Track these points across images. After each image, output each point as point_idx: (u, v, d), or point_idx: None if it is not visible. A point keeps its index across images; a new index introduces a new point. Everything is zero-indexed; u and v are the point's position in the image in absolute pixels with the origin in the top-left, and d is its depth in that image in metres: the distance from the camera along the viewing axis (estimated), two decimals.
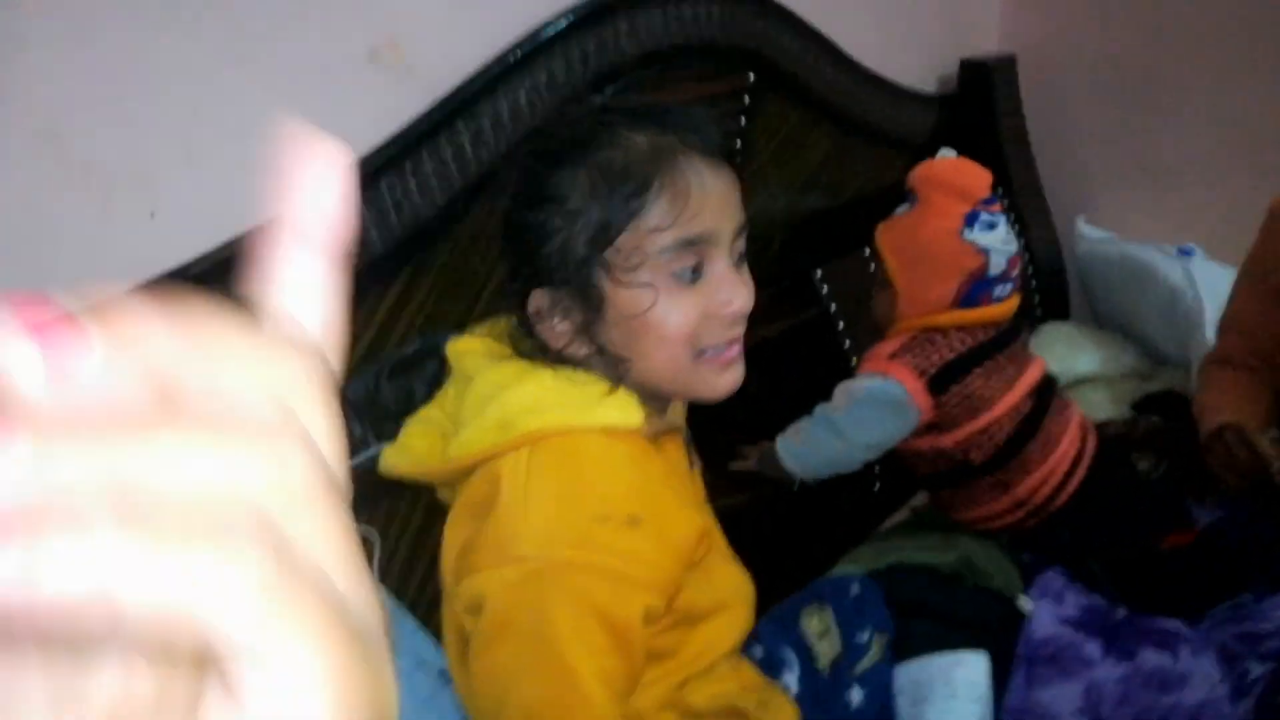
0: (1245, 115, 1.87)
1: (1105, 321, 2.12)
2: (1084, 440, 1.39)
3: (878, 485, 1.69)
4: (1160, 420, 1.66)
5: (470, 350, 0.87)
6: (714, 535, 0.92)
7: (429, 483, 0.86)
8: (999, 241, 1.30)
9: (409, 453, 0.85)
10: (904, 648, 1.17)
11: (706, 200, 0.76)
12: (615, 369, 0.80)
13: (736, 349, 0.82)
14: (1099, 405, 1.86)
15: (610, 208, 0.76)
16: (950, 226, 1.29)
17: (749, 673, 1.01)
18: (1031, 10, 2.19)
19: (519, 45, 1.20)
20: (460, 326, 1.09)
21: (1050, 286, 2.14)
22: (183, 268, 0.98)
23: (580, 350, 0.81)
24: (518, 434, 0.74)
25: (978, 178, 1.33)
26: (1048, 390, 1.39)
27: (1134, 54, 2.04)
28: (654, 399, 0.84)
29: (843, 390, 1.33)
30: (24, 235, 0.92)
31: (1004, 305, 1.33)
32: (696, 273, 0.78)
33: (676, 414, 0.91)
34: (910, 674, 1.16)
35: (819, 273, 1.71)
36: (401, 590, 1.04)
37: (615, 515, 0.73)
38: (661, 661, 0.82)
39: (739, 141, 1.56)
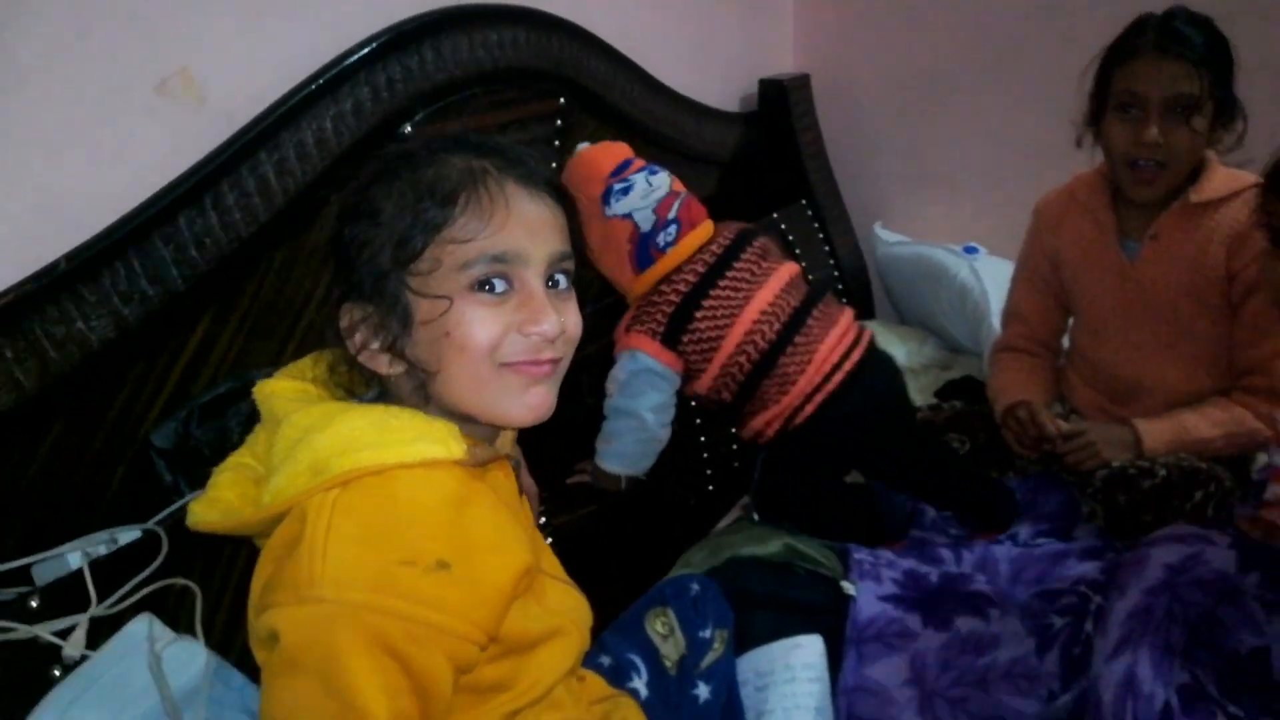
0: (1018, 126, 2.07)
1: (907, 317, 2.28)
2: (828, 394, 1.39)
3: (710, 487, 1.74)
4: (962, 404, 1.79)
5: (278, 393, 0.84)
6: (545, 561, 0.92)
7: (243, 534, 0.81)
8: (638, 200, 1.38)
9: (218, 505, 0.80)
10: (745, 639, 1.21)
11: (514, 220, 0.77)
12: (423, 386, 0.80)
13: (547, 367, 0.80)
14: None
15: (415, 220, 0.76)
16: (595, 213, 1.39)
17: (594, 685, 1.02)
18: (821, 32, 2.34)
19: (321, 73, 1.18)
20: (274, 363, 1.06)
21: (855, 287, 2.28)
22: None
23: (390, 368, 0.80)
24: (328, 477, 0.71)
25: (599, 159, 1.42)
26: (798, 324, 1.40)
27: (917, 71, 2.22)
28: (473, 425, 0.82)
29: (610, 380, 1.43)
30: None
31: (681, 245, 1.39)
32: (502, 287, 0.78)
33: (505, 442, 0.91)
34: (752, 663, 1.20)
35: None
36: (228, 644, 0.99)
37: (422, 559, 0.70)
38: (494, 694, 0.80)
39: (554, 164, 1.59)
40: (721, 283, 1.39)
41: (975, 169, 2.19)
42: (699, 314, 1.38)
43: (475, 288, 0.77)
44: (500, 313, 0.77)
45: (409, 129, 1.28)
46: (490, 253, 0.76)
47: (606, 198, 1.38)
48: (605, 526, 1.48)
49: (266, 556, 0.75)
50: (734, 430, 1.50)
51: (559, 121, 1.56)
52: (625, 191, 1.39)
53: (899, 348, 2.12)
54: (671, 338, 1.38)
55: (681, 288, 1.38)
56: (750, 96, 2.23)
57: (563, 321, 0.80)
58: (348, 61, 1.20)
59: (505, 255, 0.77)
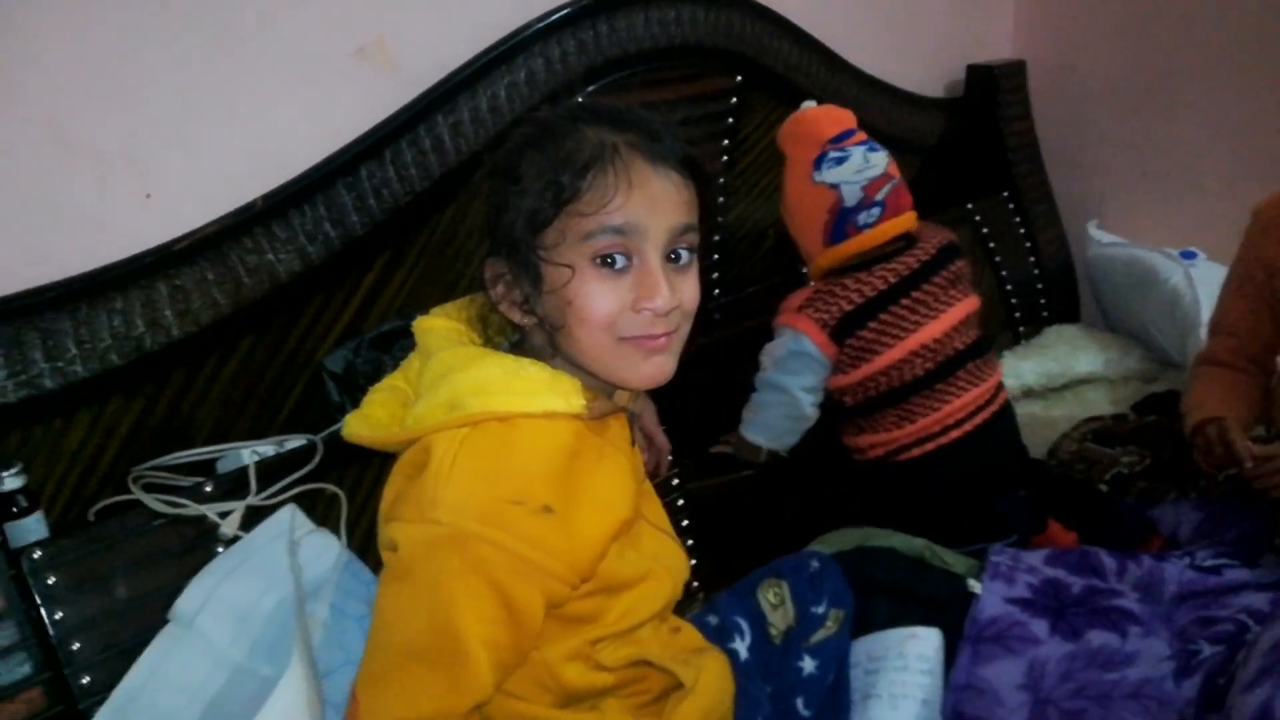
0: (1249, 123, 1.87)
1: (1114, 324, 2.12)
2: (953, 439, 1.41)
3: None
4: (1154, 418, 1.65)
5: (434, 329, 0.92)
6: (648, 509, 0.96)
7: (386, 450, 0.90)
8: (851, 173, 1.35)
9: (369, 421, 0.90)
10: (863, 624, 1.19)
11: (638, 195, 0.80)
12: (552, 341, 0.85)
13: (664, 340, 0.83)
14: (1099, 405, 1.86)
15: (546, 190, 0.80)
16: (804, 173, 1.37)
17: (689, 636, 1.05)
18: (1045, 19, 2.21)
19: (499, 44, 1.28)
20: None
21: (1058, 289, 2.14)
22: (170, 242, 1.06)
23: (526, 319, 0.86)
24: (463, 414, 0.79)
25: (821, 122, 1.39)
26: (956, 363, 1.41)
27: (1144, 63, 2.05)
28: (594, 380, 0.88)
29: (765, 353, 1.43)
30: (26, 216, 1.01)
31: (878, 229, 1.37)
32: (624, 263, 0.81)
33: (623, 396, 0.96)
34: (866, 647, 1.18)
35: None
36: (366, 546, 1.11)
37: (530, 500, 0.76)
38: (581, 625, 0.86)
39: (726, 140, 1.62)
40: (904, 300, 1.38)
41: (1203, 170, 1.99)
42: (872, 324, 1.37)
43: (596, 261, 0.80)
44: (618, 288, 0.81)
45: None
46: (610, 225, 0.79)
47: (819, 162, 1.37)
48: (739, 500, 1.50)
49: (397, 473, 0.85)
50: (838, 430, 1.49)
51: (734, 99, 1.58)
52: (839, 161, 1.36)
53: (1097, 355, 1.97)
54: (839, 334, 1.38)
55: (868, 291, 1.37)
56: (957, 83, 2.15)
57: (678, 296, 0.82)
58: (525, 34, 1.28)
59: (624, 228, 0.80)
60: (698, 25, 1.49)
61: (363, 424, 0.90)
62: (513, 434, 0.79)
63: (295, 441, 1.12)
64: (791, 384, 1.41)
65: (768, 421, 1.45)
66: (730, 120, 1.59)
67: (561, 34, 1.31)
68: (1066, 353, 1.96)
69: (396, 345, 1.21)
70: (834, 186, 1.35)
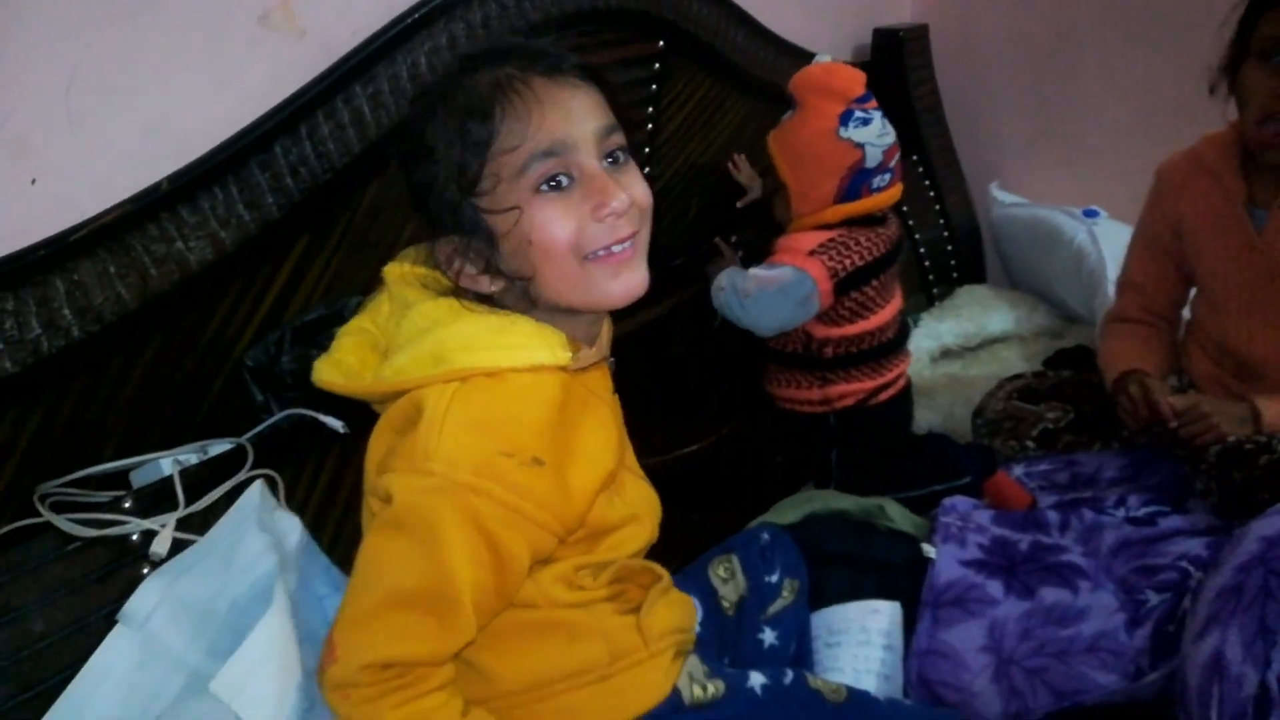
0: (1146, 83, 1.94)
1: (1019, 283, 2.18)
2: (902, 386, 1.55)
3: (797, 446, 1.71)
4: (1069, 373, 1.70)
5: (406, 277, 0.89)
6: (628, 456, 0.97)
7: (359, 399, 0.87)
8: (874, 135, 1.39)
9: (341, 367, 0.87)
10: (819, 596, 1.19)
11: (550, 112, 0.79)
12: (526, 294, 0.84)
13: (628, 250, 0.82)
14: (1012, 363, 1.91)
15: (464, 146, 0.78)
16: (828, 126, 1.38)
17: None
18: None
19: (417, 8, 1.19)
20: (366, 292, 1.08)
21: (966, 250, 2.19)
22: (65, 233, 0.95)
23: (494, 286, 0.84)
24: (449, 369, 0.78)
25: (850, 78, 1.42)
26: (905, 328, 1.54)
27: (1043, 24, 2.09)
28: (577, 324, 0.87)
29: (756, 276, 1.42)
30: None
31: (885, 194, 1.44)
32: (566, 181, 0.80)
33: (605, 346, 0.94)
34: (825, 620, 1.18)
35: (735, 237, 1.72)
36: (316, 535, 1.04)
37: (521, 453, 0.77)
38: (567, 556, 0.87)
39: (650, 108, 1.57)
40: (889, 269, 1.47)
41: (1101, 128, 2.05)
42: (874, 282, 1.43)
43: (541, 189, 0.79)
44: (570, 205, 0.80)
45: None
46: (538, 150, 0.78)
47: (846, 119, 1.39)
48: (685, 479, 1.48)
49: (384, 426, 0.84)
50: (799, 385, 1.53)
51: (657, 65, 1.54)
52: (865, 122, 1.39)
53: (1008, 314, 2.03)
54: (844, 285, 1.41)
55: (876, 251, 1.43)
56: (864, 47, 2.15)
57: (630, 194, 0.81)
58: None
59: (553, 147, 0.78)
60: None
61: (335, 370, 0.87)
62: (502, 388, 0.79)
63: (220, 446, 1.03)
64: (758, 320, 1.43)
65: (719, 304, 1.47)
66: (654, 87, 1.54)
67: None
68: (980, 313, 2.01)
69: (322, 335, 1.12)
70: (860, 145, 1.38)
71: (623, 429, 0.96)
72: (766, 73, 1.78)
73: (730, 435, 1.52)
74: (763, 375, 1.58)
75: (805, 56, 1.88)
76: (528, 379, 0.79)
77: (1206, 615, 0.99)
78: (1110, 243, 1.87)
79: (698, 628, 1.10)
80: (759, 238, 1.74)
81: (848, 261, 1.40)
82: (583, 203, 0.80)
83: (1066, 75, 2.08)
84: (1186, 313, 1.58)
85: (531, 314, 0.83)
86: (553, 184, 0.79)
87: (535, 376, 0.80)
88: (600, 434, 0.86)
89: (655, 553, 1.34)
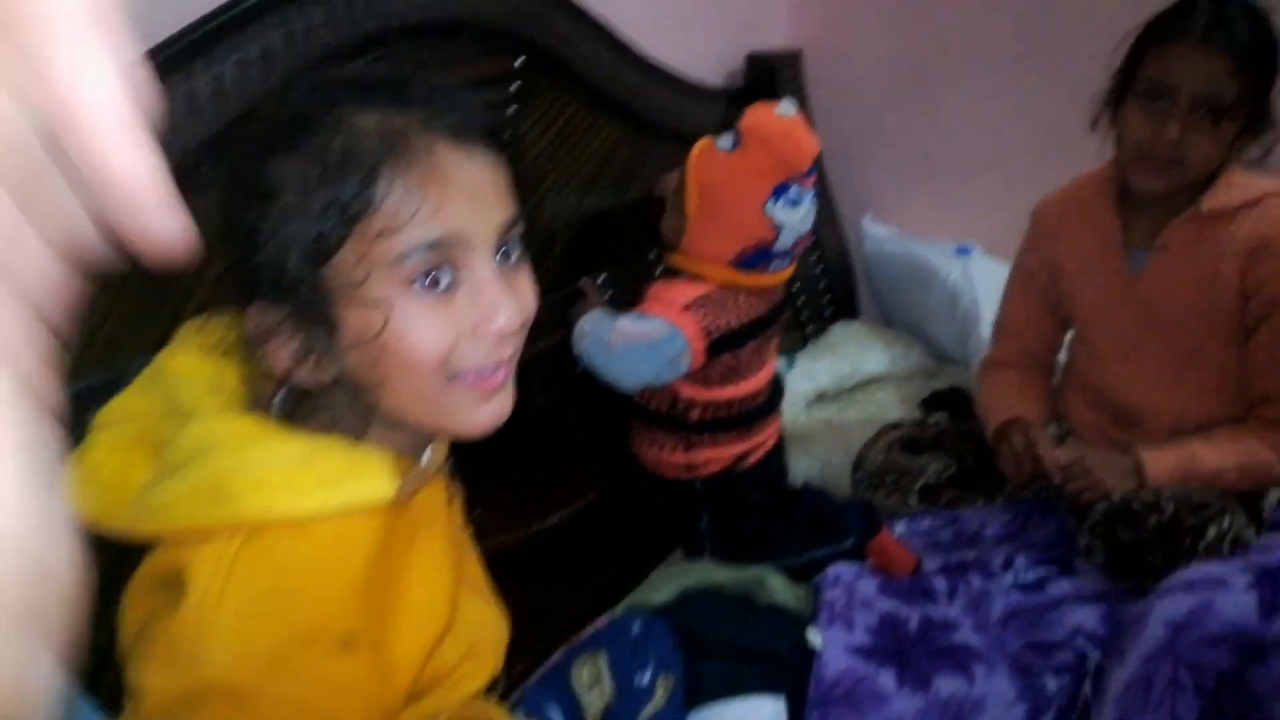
0: (1025, 116, 1.91)
1: (893, 320, 2.13)
2: (773, 445, 1.47)
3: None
4: (947, 418, 1.64)
5: (185, 374, 0.68)
6: (468, 570, 0.80)
7: (109, 532, 0.64)
8: (797, 219, 1.29)
9: (96, 480, 0.63)
10: (696, 691, 1.06)
11: (453, 193, 0.62)
12: (359, 401, 0.65)
13: (503, 374, 0.67)
14: (888, 405, 1.85)
15: (326, 208, 0.59)
16: (758, 195, 1.26)
17: (496, 714, 0.87)
18: (818, 7, 2.17)
19: (222, 10, 1.00)
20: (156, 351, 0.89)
21: (839, 285, 2.12)
22: None
23: (316, 376, 0.64)
24: (233, 513, 0.59)
25: (804, 152, 1.29)
26: (778, 389, 1.46)
27: (917, 54, 2.05)
28: (416, 436, 0.70)
29: (622, 330, 1.29)
30: None
31: (778, 275, 1.35)
32: (446, 281, 0.63)
33: (439, 455, 0.76)
34: None
35: (603, 276, 1.59)
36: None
37: (325, 636, 0.60)
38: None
39: (510, 131, 1.42)
40: (766, 332, 1.37)
41: (976, 161, 2.02)
42: (751, 344, 1.33)
43: (414, 287, 0.61)
44: (448, 313, 0.63)
45: None
46: (426, 240, 0.61)
47: (780, 193, 1.26)
48: (549, 552, 1.33)
49: (136, 588, 0.63)
50: (662, 446, 1.42)
51: (516, 84, 1.39)
52: (795, 204, 1.27)
53: (882, 353, 1.97)
54: (716, 347, 1.30)
55: (755, 312, 1.32)
56: (737, 71, 2.06)
57: (521, 306, 0.66)
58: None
59: (444, 240, 0.61)
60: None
61: (87, 487, 0.63)
62: (302, 545, 0.60)
63: None
64: (621, 375, 1.30)
65: (582, 354, 1.33)
66: (512, 109, 1.39)
67: (304, 1, 1.06)
68: (855, 351, 1.94)
69: (96, 405, 0.92)
70: (778, 226, 1.27)
71: (462, 543, 0.79)
72: (635, 98, 1.66)
73: (598, 500, 1.38)
74: (628, 433, 1.45)
75: (677, 83, 1.78)
76: (337, 528, 0.62)
77: (1114, 716, 0.91)
78: (985, 281, 1.83)
79: None
80: (630, 278, 1.61)
81: (724, 321, 1.28)
82: (465, 313, 0.63)
83: (942, 106, 2.04)
84: (1063, 357, 1.54)
85: (351, 424, 0.66)
86: (431, 281, 0.62)
87: (348, 523, 0.62)
88: (432, 579, 0.69)
89: (512, 644, 1.20)
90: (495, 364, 0.65)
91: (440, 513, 0.75)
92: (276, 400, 0.67)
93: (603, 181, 1.62)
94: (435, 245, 0.61)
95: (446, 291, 0.62)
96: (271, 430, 0.63)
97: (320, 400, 0.66)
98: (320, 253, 0.60)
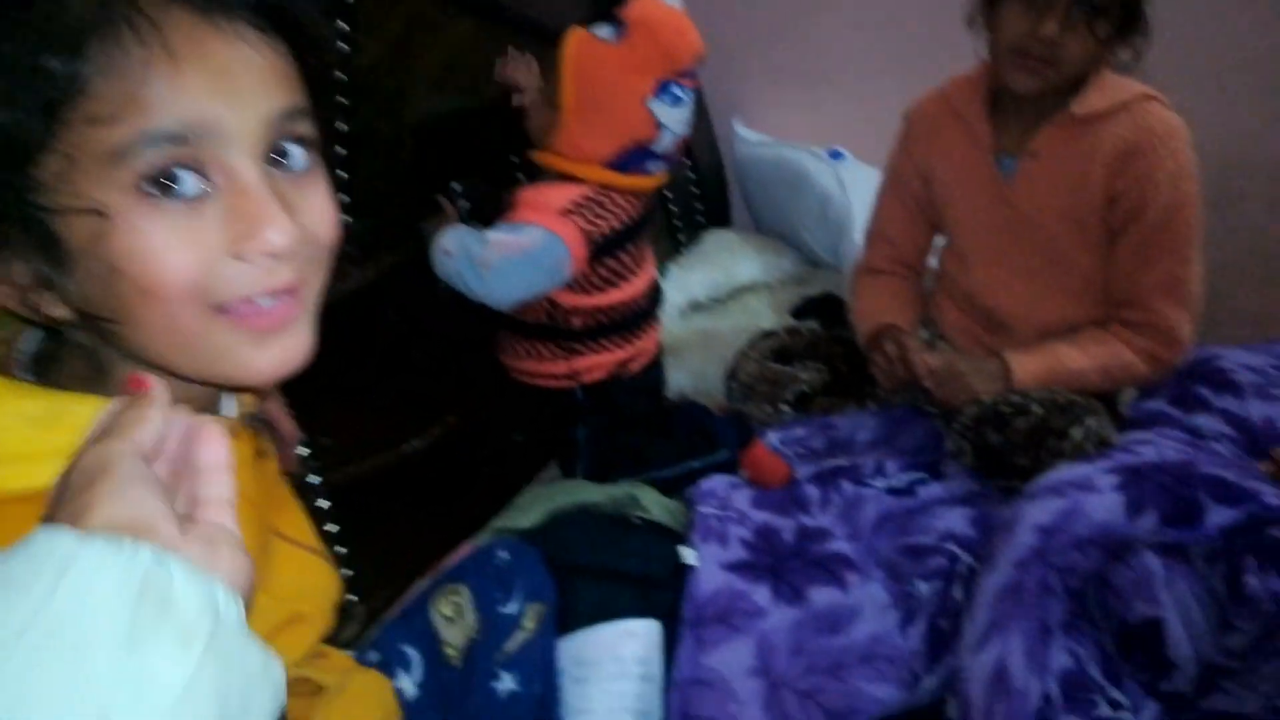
0: (892, 18, 1.86)
1: (765, 227, 2.09)
2: (654, 353, 1.47)
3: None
4: (820, 327, 1.62)
5: None
6: (287, 524, 0.69)
7: None
8: (677, 120, 1.25)
9: None
10: (567, 617, 1.02)
11: (194, 74, 0.49)
12: (110, 340, 0.53)
13: (285, 309, 0.54)
14: (761, 313, 1.82)
15: (20, 89, 0.46)
16: (640, 88, 1.21)
17: (337, 659, 0.79)
18: None
19: None
20: None
21: (712, 192, 2.06)
22: None
23: (51, 312, 0.52)
24: None
25: (689, 47, 1.25)
26: (658, 292, 1.44)
27: None
28: (187, 385, 0.56)
29: (497, 241, 1.21)
30: None
31: (652, 179, 1.31)
32: (196, 186, 0.50)
33: (243, 404, 0.65)
34: (573, 650, 1.01)
35: (459, 186, 1.47)
36: None
37: None
38: None
39: (344, 24, 1.27)
40: (638, 239, 1.35)
41: (846, 64, 1.96)
42: (630, 247, 1.31)
43: (144, 190, 0.48)
44: (196, 227, 0.50)
45: None
46: (156, 129, 0.48)
47: (663, 90, 1.21)
48: (404, 481, 1.24)
49: None
50: (541, 357, 1.37)
51: None
52: (678, 102, 1.23)
53: (755, 261, 1.93)
54: (599, 252, 1.25)
55: (632, 213, 1.28)
56: None
57: (304, 221, 0.53)
58: None
59: (184, 129, 0.48)
60: None
61: None
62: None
63: None
64: (498, 293, 1.23)
65: (446, 274, 1.25)
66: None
67: None
68: (728, 260, 1.90)
69: None
70: (660, 125, 1.23)
71: (280, 499, 0.69)
72: None
73: (461, 423, 1.29)
74: (498, 346, 1.37)
75: None
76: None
77: (986, 621, 0.91)
78: (856, 186, 1.80)
79: (414, 689, 0.89)
80: (491, 185, 1.50)
81: (605, 224, 1.23)
82: (220, 226, 0.50)
83: (812, 8, 1.97)
84: (935, 261, 1.53)
85: (110, 375, 0.54)
86: (165, 184, 0.49)
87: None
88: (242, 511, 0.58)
89: (368, 579, 1.12)
90: (268, 292, 0.53)
91: (244, 471, 0.62)
92: (23, 350, 0.55)
93: (455, 81, 1.49)
94: (169, 137, 0.48)
95: (196, 201, 0.50)
96: (7, 386, 0.51)
97: (72, 348, 0.55)
98: (17, 149, 0.47)
